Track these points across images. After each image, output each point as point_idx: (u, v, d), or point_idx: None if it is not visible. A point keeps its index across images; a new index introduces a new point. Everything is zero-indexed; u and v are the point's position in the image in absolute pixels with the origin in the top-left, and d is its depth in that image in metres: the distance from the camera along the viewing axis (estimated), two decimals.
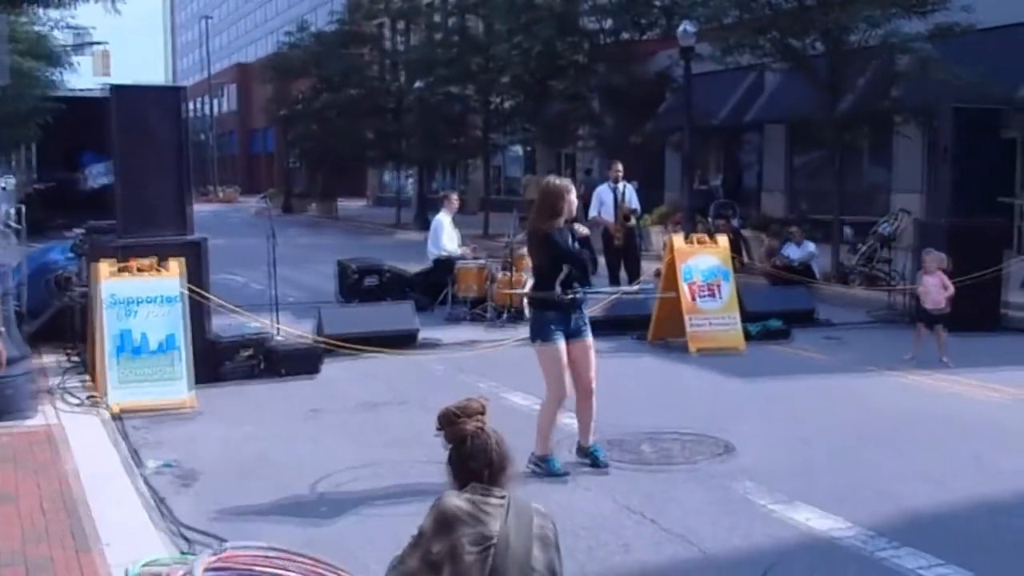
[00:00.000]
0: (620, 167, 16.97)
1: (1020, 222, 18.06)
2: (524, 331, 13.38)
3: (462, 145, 35.57)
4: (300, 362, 11.13)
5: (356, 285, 16.15)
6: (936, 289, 11.87)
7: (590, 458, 7.67)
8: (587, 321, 7.70)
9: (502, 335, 13.40)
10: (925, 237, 14.65)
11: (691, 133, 22.76)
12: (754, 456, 7.92)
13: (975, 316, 13.45)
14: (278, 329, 11.63)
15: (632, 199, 16.81)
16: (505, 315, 14.53)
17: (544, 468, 7.45)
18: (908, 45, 17.99)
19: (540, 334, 7.52)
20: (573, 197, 7.55)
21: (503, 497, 3.70)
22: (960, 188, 14.26)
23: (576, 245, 7.55)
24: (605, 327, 13.05)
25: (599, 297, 11.02)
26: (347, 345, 11.63)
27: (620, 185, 16.73)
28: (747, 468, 7.59)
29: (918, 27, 18.40)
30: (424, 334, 13.07)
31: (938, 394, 10.23)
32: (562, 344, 7.50)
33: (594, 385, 7.66)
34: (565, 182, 7.63)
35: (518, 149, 43.14)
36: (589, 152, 31.24)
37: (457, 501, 3.64)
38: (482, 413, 3.86)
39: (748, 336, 12.89)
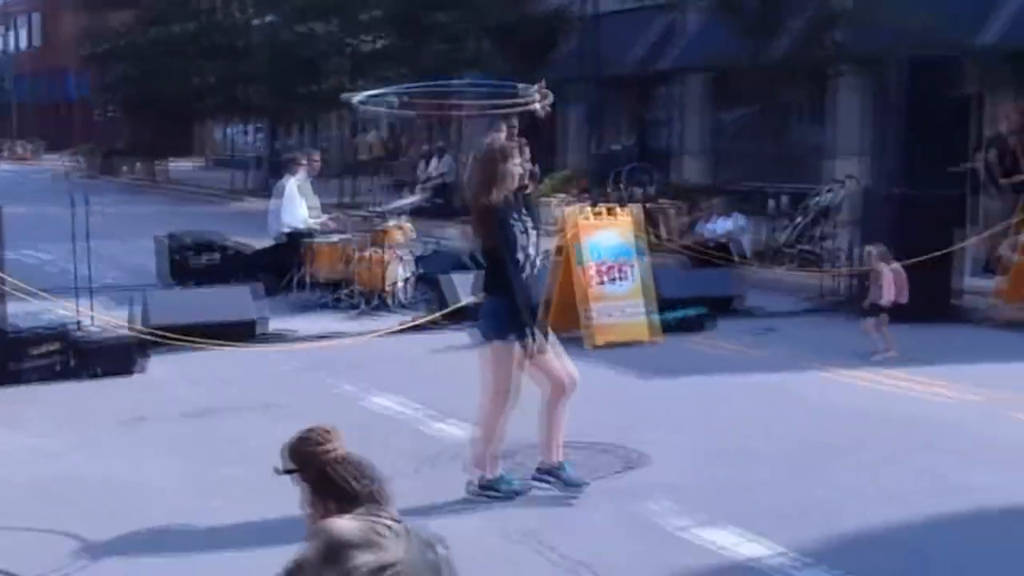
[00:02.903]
0: (507, 124, 16.89)
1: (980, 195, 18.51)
2: (393, 320, 13.46)
3: (321, 94, 35.20)
4: (118, 358, 10.93)
5: (189, 264, 15.93)
6: (898, 281, 12.15)
7: (553, 476, 7.46)
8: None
9: (366, 326, 13.34)
10: (870, 210, 14.95)
11: (596, 84, 22.88)
12: (669, 469, 8.00)
13: (924, 304, 13.75)
14: (92, 318, 11.39)
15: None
16: (370, 302, 14.42)
17: (499, 491, 7.37)
18: None
19: (495, 328, 7.34)
20: (515, 161, 7.40)
21: (399, 521, 3.70)
22: (913, 152, 14.54)
23: (530, 233, 7.41)
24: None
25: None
26: (177, 338, 11.44)
27: None
28: (661, 484, 7.66)
29: None
30: (272, 324, 12.94)
31: (886, 394, 10.46)
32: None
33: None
34: (502, 142, 7.51)
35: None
36: (475, 107, 31.22)
37: (349, 525, 3.62)
38: (336, 437, 3.88)
39: (663, 327, 13.03)
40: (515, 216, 7.34)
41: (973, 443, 8.77)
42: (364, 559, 3.52)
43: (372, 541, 3.56)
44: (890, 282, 12.19)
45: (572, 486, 7.38)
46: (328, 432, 3.87)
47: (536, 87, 8.32)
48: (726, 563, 6.32)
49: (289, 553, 3.72)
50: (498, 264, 7.32)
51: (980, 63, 21.29)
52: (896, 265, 12.30)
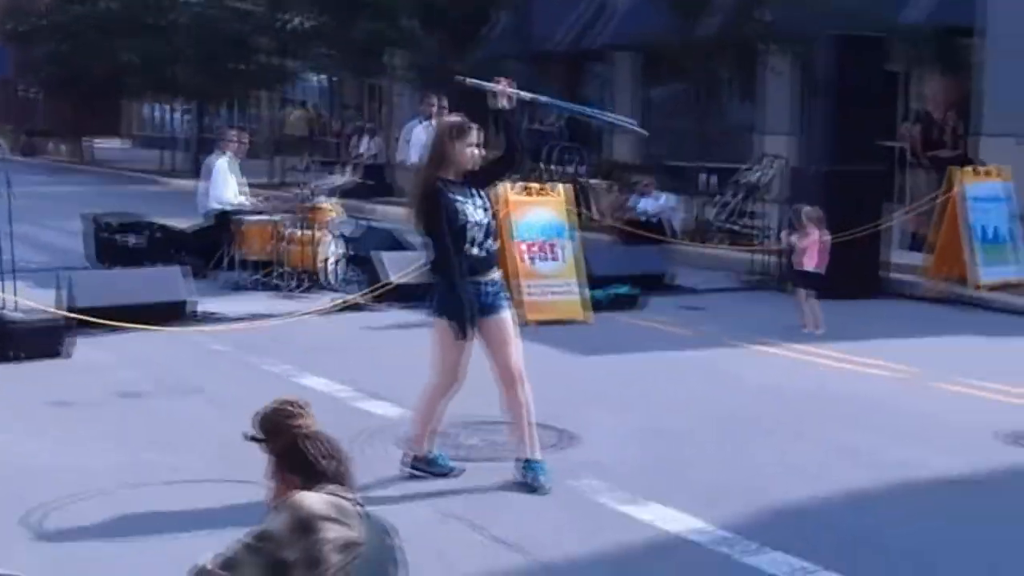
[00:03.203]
0: (436, 101, 16.86)
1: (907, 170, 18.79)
2: (324, 300, 13.41)
3: (249, 73, 34.90)
4: (42, 341, 10.77)
5: (115, 246, 15.74)
6: (820, 246, 12.35)
7: (528, 476, 7.25)
8: (505, 293, 7.46)
9: (297, 306, 13.29)
10: (798, 187, 15.13)
11: (527, 62, 22.88)
12: (600, 448, 8.06)
13: (853, 279, 13.99)
14: (15, 302, 11.25)
15: None
16: (300, 282, 14.36)
17: (430, 469, 7.37)
18: None
19: (435, 307, 7.28)
20: (469, 141, 7.23)
21: (360, 504, 3.75)
22: (839, 130, 14.71)
23: (481, 213, 7.23)
24: (419, 296, 13.06)
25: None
26: (103, 322, 11.34)
27: (435, 123, 16.61)
28: (592, 462, 7.72)
29: None
30: (200, 305, 12.84)
31: (813, 371, 10.61)
32: (482, 321, 7.30)
33: (523, 370, 7.34)
34: (454, 121, 7.37)
35: (320, 79, 42.58)
36: (406, 84, 31.08)
37: (319, 498, 3.63)
38: (309, 412, 3.90)
39: (593, 305, 13.10)
40: (464, 196, 7.21)
41: (897, 417, 8.92)
42: (334, 533, 3.55)
43: (340, 518, 3.59)
44: (815, 243, 12.34)
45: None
46: (302, 406, 3.88)
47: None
48: (655, 539, 6.38)
49: (223, 536, 3.73)
50: (439, 244, 7.25)
51: (906, 41, 21.57)
52: (825, 233, 12.46)
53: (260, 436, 3.85)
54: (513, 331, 7.39)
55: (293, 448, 3.78)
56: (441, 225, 7.15)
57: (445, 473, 7.40)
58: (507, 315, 7.37)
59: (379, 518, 3.83)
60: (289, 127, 37.63)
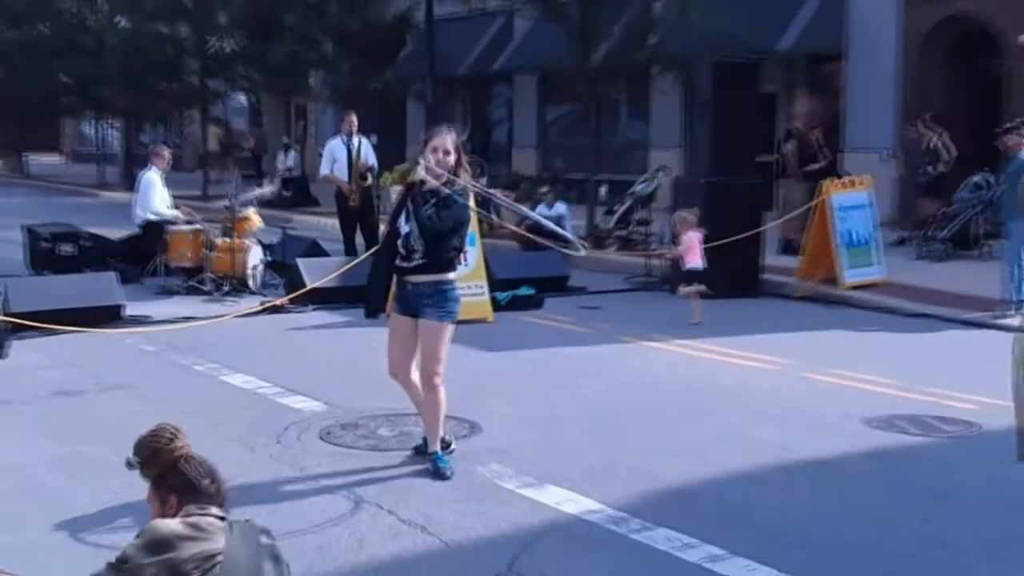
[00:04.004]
0: (355, 119, 16.84)
1: (778, 181, 19.08)
2: (247, 303, 13.32)
3: (175, 92, 34.52)
4: None
5: (49, 254, 15.49)
6: (698, 245, 12.62)
7: (430, 466, 7.27)
8: (433, 299, 7.19)
9: (222, 309, 13.20)
10: (683, 197, 15.31)
11: (434, 83, 22.89)
12: (501, 436, 8.09)
13: (734, 280, 14.21)
14: None
15: (369, 155, 16.72)
16: (226, 287, 14.25)
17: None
18: None
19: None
20: (436, 146, 7.17)
21: (223, 518, 3.76)
22: (719, 145, 14.91)
23: (432, 214, 7.05)
24: (337, 298, 13.06)
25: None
26: (38, 325, 11.15)
27: (355, 139, 16.62)
28: (494, 449, 7.75)
29: None
30: (131, 309, 12.70)
31: (696, 364, 10.74)
32: (397, 318, 7.33)
33: (436, 377, 7.20)
34: (439, 132, 7.32)
35: (242, 98, 42.24)
36: (322, 103, 30.95)
37: (172, 523, 3.68)
38: (183, 437, 3.91)
39: (496, 306, 13.15)
40: (409, 206, 7.13)
41: (771, 404, 9.04)
42: (190, 551, 3.58)
43: (197, 535, 3.62)
44: (695, 243, 12.61)
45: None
46: (176, 430, 3.87)
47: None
48: (552, 519, 6.41)
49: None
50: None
51: (779, 65, 21.98)
52: (701, 230, 12.74)
53: (138, 461, 3.85)
54: (429, 336, 7.23)
55: (173, 469, 3.80)
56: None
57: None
58: (430, 321, 7.20)
59: (252, 524, 3.85)
60: (194, 142, 37.98)
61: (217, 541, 3.64)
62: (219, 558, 3.59)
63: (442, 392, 7.25)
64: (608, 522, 6.37)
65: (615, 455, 7.65)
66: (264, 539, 3.83)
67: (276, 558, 3.82)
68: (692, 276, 12.70)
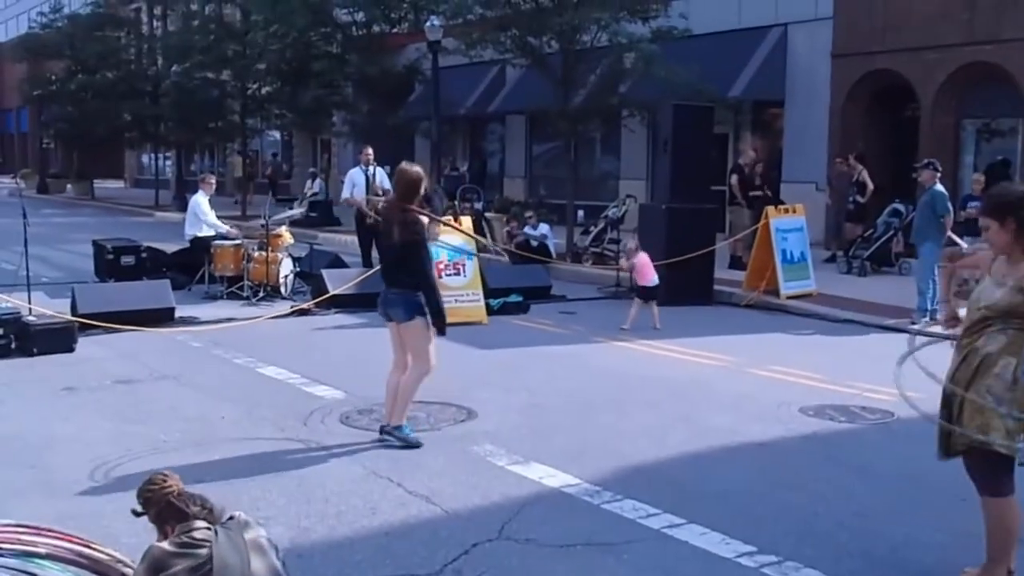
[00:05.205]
0: (371, 151, 16.94)
1: (728, 208, 19.10)
2: (279, 308, 13.29)
3: (219, 129, 34.47)
4: (54, 340, 10.53)
5: (113, 264, 15.42)
6: (648, 267, 12.61)
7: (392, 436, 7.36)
8: (400, 305, 7.41)
9: (258, 312, 13.16)
10: (647, 220, 15.31)
11: (438, 122, 22.89)
12: (493, 420, 8.07)
13: (691, 290, 14.22)
14: (30, 308, 10.98)
15: (383, 181, 16.74)
16: (261, 293, 14.22)
17: (399, 437, 7.30)
18: (634, 45, 18.67)
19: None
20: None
21: (208, 528, 3.79)
22: (678, 176, 14.91)
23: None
24: (355, 303, 13.04)
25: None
26: (102, 324, 11.11)
27: (372, 168, 16.69)
28: (487, 432, 7.73)
29: (643, 31, 19.15)
30: (181, 312, 12.65)
31: (656, 360, 10.72)
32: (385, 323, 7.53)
33: (408, 363, 7.45)
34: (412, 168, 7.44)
35: (276, 134, 42.22)
36: (344, 138, 30.88)
37: (164, 545, 3.74)
38: (173, 478, 4.00)
39: (490, 310, 13.13)
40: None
41: (721, 395, 9.03)
42: (182, 564, 3.64)
43: (186, 552, 3.68)
44: (646, 265, 12.63)
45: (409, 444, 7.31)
46: (167, 475, 3.99)
47: None
48: (537, 491, 6.40)
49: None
50: None
51: (730, 110, 22.02)
52: (643, 254, 12.72)
53: (141, 508, 3.95)
54: (410, 336, 7.43)
55: (169, 506, 3.89)
56: None
57: (411, 444, 7.30)
58: (404, 323, 7.43)
59: (237, 521, 3.85)
60: (230, 170, 38.04)
61: (204, 552, 3.68)
62: (209, 566, 3.63)
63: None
64: (584, 494, 6.35)
65: (589, 437, 7.64)
66: (249, 534, 3.81)
67: (261, 549, 3.79)
68: (648, 293, 12.67)
